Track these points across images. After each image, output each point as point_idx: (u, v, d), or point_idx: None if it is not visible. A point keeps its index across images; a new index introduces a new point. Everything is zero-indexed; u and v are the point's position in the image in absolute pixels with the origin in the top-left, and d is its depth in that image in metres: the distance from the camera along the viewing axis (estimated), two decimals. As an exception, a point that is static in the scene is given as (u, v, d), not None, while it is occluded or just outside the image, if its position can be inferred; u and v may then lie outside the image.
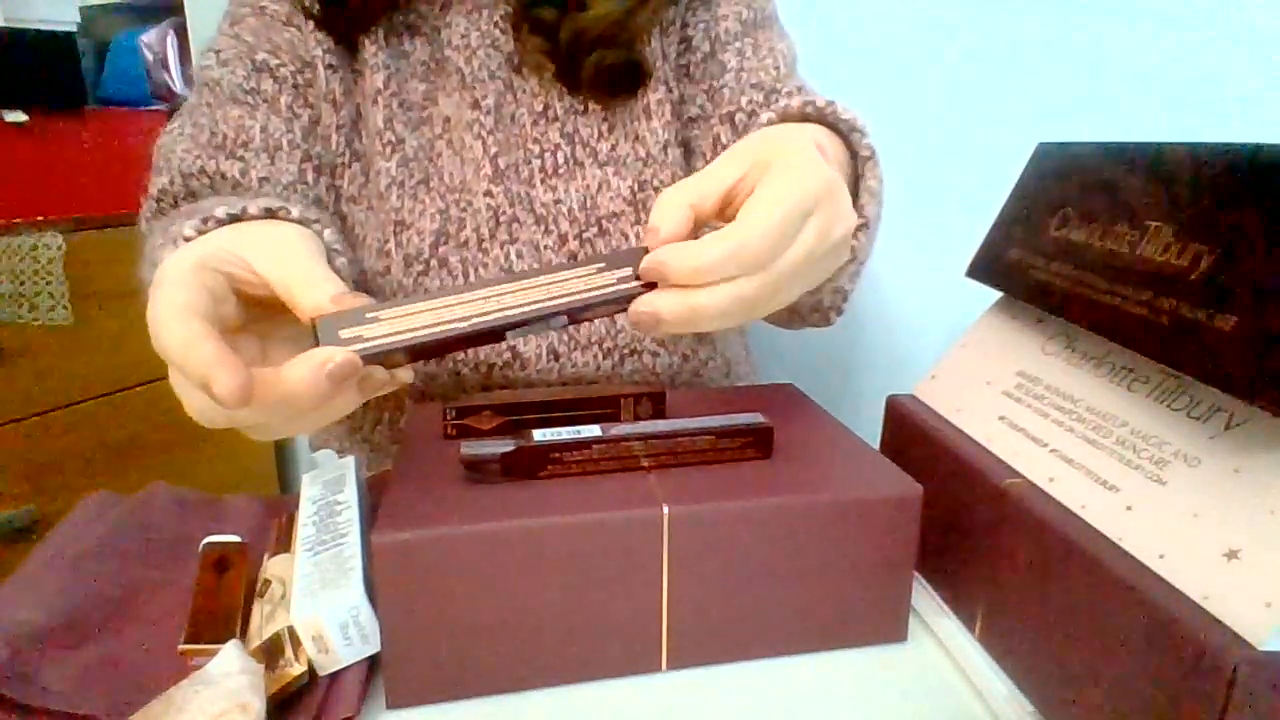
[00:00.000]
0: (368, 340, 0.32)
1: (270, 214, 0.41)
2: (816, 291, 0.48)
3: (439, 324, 0.33)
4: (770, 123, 0.45)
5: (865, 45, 0.82)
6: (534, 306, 0.33)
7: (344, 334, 0.32)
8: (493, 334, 0.33)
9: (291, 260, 0.35)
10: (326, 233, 0.42)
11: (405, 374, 0.34)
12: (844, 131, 0.44)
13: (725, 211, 0.35)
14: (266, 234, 0.39)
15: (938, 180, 0.77)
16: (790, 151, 0.34)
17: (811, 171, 0.33)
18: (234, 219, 0.40)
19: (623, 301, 0.34)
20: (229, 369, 0.27)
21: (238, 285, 0.33)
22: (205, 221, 0.39)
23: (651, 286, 0.33)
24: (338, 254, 0.43)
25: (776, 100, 0.55)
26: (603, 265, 0.34)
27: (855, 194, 0.43)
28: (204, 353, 0.27)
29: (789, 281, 0.32)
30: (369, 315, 0.32)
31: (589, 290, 0.33)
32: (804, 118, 0.45)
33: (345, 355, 0.30)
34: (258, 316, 0.35)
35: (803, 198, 0.32)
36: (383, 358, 0.32)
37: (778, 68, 0.58)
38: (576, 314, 0.34)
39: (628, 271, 0.34)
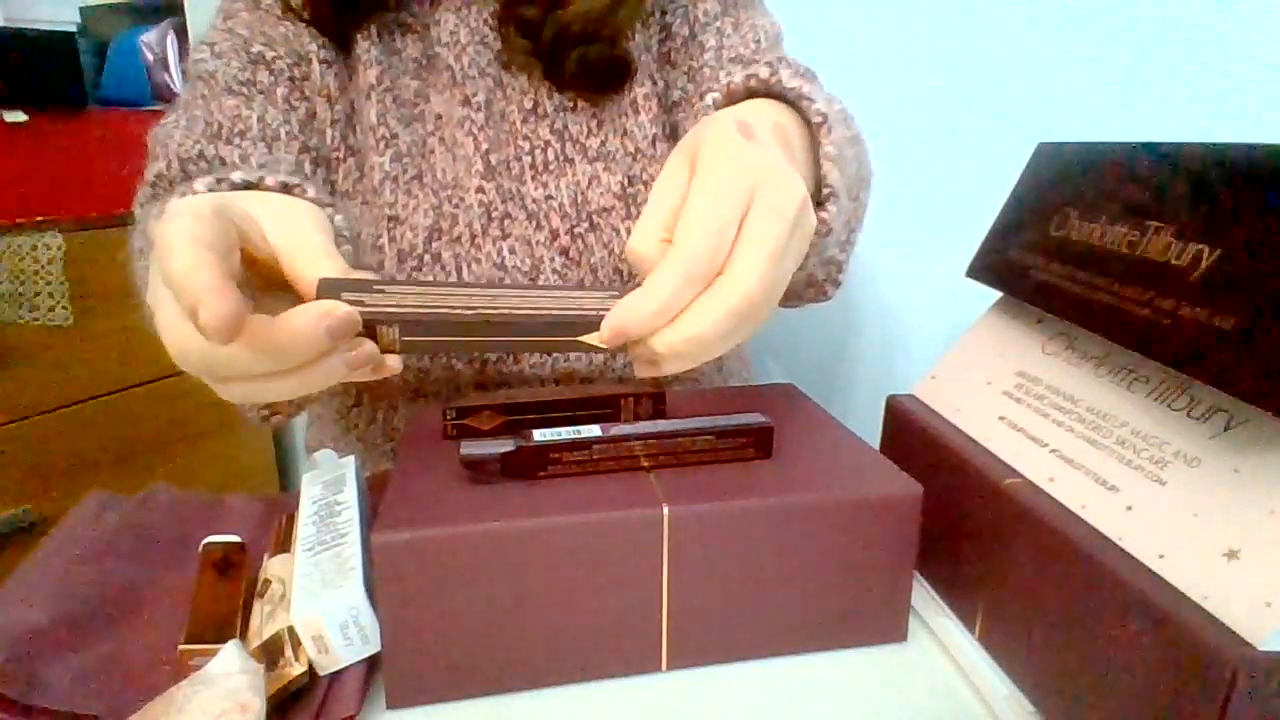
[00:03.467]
0: (369, 306, 0.31)
1: (286, 189, 0.41)
2: (802, 267, 0.47)
3: (444, 307, 0.32)
4: (715, 104, 0.44)
5: (865, 45, 0.82)
6: (543, 314, 0.32)
7: (346, 296, 0.31)
8: (495, 329, 0.32)
9: (301, 233, 0.34)
10: (337, 218, 0.42)
11: (394, 361, 0.33)
12: (792, 100, 0.43)
13: None
14: (281, 204, 0.38)
15: (938, 180, 0.77)
16: (709, 149, 0.33)
17: (734, 165, 0.32)
18: (249, 186, 0.39)
19: None
20: (222, 297, 0.25)
21: (246, 243, 0.32)
22: (220, 182, 0.38)
23: None
24: (344, 240, 0.42)
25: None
26: (616, 294, 0.33)
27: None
28: (204, 278, 0.26)
29: (772, 275, 0.31)
30: (376, 287, 0.32)
31: (598, 310, 0.32)
32: (750, 93, 0.44)
33: (346, 310, 0.29)
34: (253, 283, 0.34)
35: (733, 194, 0.31)
36: (380, 329, 0.31)
37: (758, 41, 0.57)
38: (581, 331, 0.32)
39: None
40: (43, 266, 1.10)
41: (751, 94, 0.44)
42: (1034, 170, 0.46)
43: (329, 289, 0.31)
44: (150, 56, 1.38)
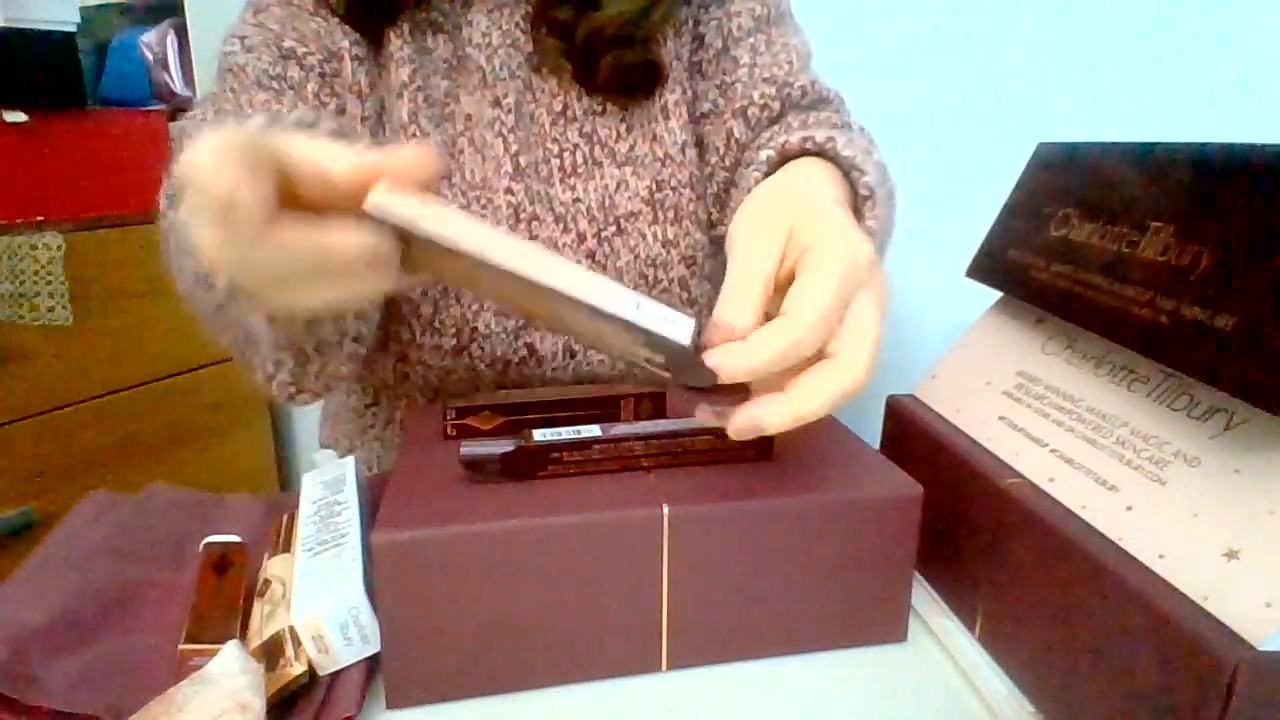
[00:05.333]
0: (421, 215, 0.28)
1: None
2: None
3: (505, 247, 0.28)
4: (769, 161, 0.45)
5: (866, 45, 0.82)
6: (597, 296, 0.28)
7: (400, 200, 0.28)
8: (537, 291, 0.28)
9: (325, 140, 0.31)
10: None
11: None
12: (844, 169, 0.44)
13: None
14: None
15: (938, 180, 0.77)
16: (828, 230, 0.34)
17: (854, 252, 0.33)
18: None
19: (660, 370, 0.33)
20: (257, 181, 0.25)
21: (280, 167, 0.28)
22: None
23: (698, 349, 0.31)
24: None
25: (783, 95, 0.56)
26: (655, 305, 0.30)
27: None
28: (233, 171, 0.25)
29: (874, 360, 0.32)
30: (430, 204, 0.29)
31: (649, 328, 0.29)
32: (803, 153, 0.45)
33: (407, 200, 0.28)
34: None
35: (848, 285, 0.32)
36: (412, 240, 0.28)
37: (790, 62, 0.58)
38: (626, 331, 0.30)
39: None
40: (43, 266, 1.10)
41: (804, 154, 0.45)
42: (1034, 170, 0.46)
43: (381, 195, 0.28)
44: (150, 56, 1.38)
